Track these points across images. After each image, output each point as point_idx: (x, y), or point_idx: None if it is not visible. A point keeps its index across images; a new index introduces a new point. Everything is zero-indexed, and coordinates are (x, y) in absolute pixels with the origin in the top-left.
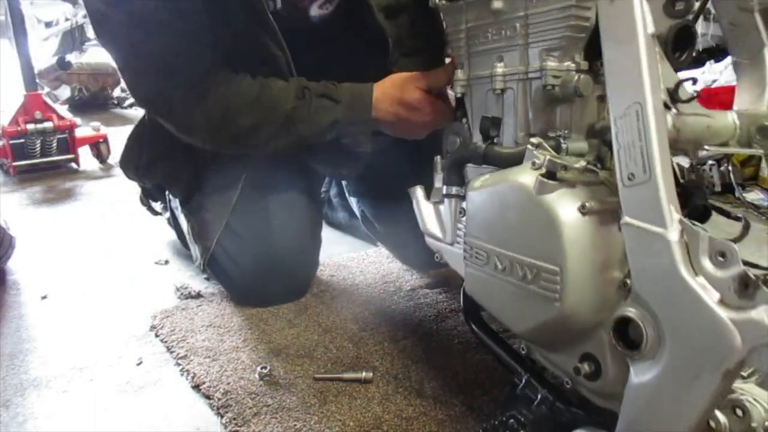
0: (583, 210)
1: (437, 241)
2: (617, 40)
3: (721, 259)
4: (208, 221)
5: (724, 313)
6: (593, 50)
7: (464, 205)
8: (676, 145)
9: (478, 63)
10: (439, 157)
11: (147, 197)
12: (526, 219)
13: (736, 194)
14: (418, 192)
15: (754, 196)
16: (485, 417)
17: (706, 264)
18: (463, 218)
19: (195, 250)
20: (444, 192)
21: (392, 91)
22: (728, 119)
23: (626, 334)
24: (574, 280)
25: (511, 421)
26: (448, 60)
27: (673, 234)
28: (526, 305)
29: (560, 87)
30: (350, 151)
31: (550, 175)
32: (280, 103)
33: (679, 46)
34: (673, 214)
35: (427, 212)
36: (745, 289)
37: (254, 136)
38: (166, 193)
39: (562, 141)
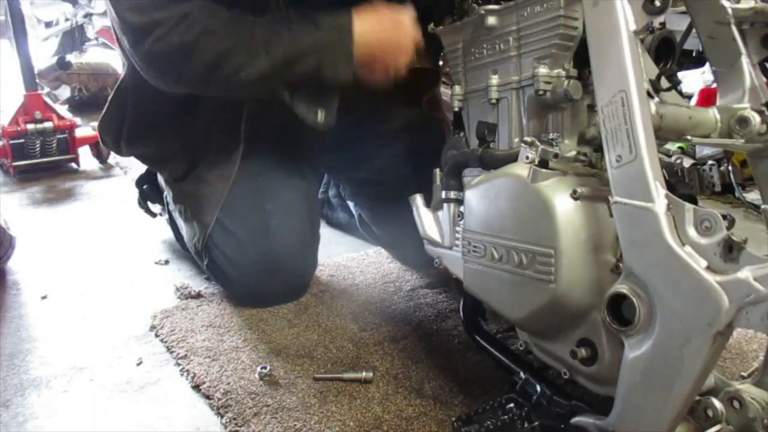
0: (574, 195)
1: (436, 246)
2: (602, 37)
3: (705, 227)
4: (206, 196)
5: (711, 278)
6: (581, 60)
7: (462, 209)
8: (659, 134)
9: (474, 78)
10: (438, 170)
11: (145, 200)
12: (520, 206)
13: (736, 194)
14: (418, 200)
15: (754, 196)
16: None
17: (692, 233)
18: (461, 221)
19: (192, 229)
20: (443, 196)
21: (376, 4)
22: (709, 113)
23: (619, 313)
24: (568, 261)
25: (510, 405)
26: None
27: (660, 207)
28: (522, 291)
29: (551, 92)
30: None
31: (543, 163)
32: (259, 26)
33: (662, 57)
34: (659, 189)
35: (427, 219)
36: (729, 252)
37: (226, 61)
38: (164, 194)
39: (554, 144)
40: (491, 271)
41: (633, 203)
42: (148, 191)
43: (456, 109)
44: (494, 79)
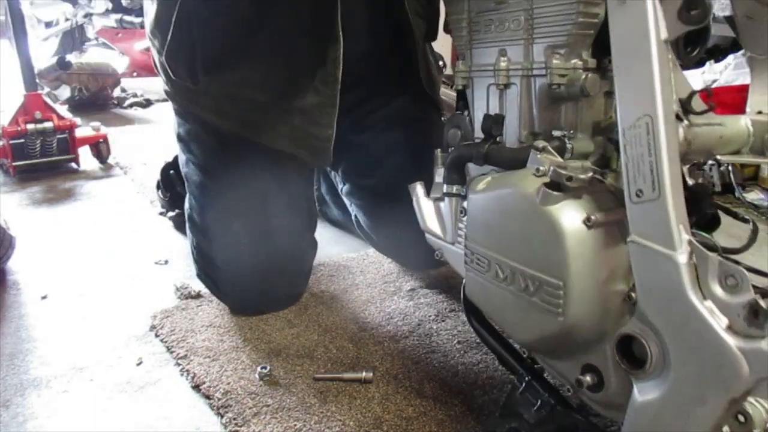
0: (588, 223)
1: (438, 238)
2: (628, 45)
3: (731, 283)
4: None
5: (731, 341)
6: (602, 45)
7: (465, 204)
8: (686, 157)
9: (481, 55)
10: (439, 150)
11: (165, 185)
12: (528, 230)
13: (736, 194)
14: (418, 189)
15: (754, 196)
16: (485, 417)
17: (716, 288)
18: (464, 218)
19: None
20: (444, 191)
21: None
22: (741, 125)
23: (630, 351)
24: (578, 296)
25: None
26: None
27: (682, 256)
28: (527, 316)
29: (566, 86)
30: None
31: (555, 185)
32: None
33: (691, 41)
34: (682, 234)
35: (427, 210)
36: (755, 317)
37: None
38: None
39: (567, 141)
40: (495, 288)
41: (652, 247)
42: (173, 177)
43: (459, 87)
44: (502, 62)
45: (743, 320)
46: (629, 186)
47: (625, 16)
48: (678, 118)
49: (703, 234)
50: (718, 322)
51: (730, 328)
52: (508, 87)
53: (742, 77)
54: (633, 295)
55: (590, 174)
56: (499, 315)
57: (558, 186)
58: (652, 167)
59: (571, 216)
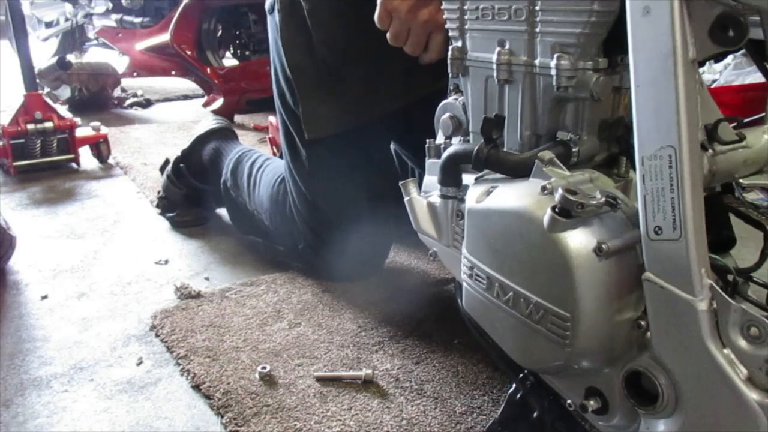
0: (599, 252)
1: (432, 240)
2: (650, 63)
3: (754, 334)
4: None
5: (751, 394)
6: (612, 41)
7: (462, 207)
8: (706, 185)
9: (477, 43)
10: (432, 141)
11: (177, 177)
12: (534, 256)
13: (736, 194)
14: (411, 187)
15: (754, 196)
16: (485, 417)
17: (736, 338)
18: (461, 221)
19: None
20: (440, 193)
21: None
22: (764, 140)
23: (638, 383)
24: (587, 328)
25: None
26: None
27: (702, 303)
28: (531, 342)
29: (574, 88)
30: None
31: (564, 212)
32: None
33: (717, 38)
34: (703, 279)
35: (421, 210)
36: None
37: None
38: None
39: (572, 146)
40: (495, 309)
41: (670, 289)
42: (183, 171)
43: (453, 76)
44: (503, 55)
45: (766, 374)
46: (647, 221)
47: (649, 30)
48: (703, 147)
49: (716, 257)
50: (738, 373)
51: (750, 381)
52: (509, 83)
53: (742, 77)
54: (642, 323)
55: (603, 199)
56: (500, 335)
57: (567, 213)
58: (674, 205)
59: (580, 245)
